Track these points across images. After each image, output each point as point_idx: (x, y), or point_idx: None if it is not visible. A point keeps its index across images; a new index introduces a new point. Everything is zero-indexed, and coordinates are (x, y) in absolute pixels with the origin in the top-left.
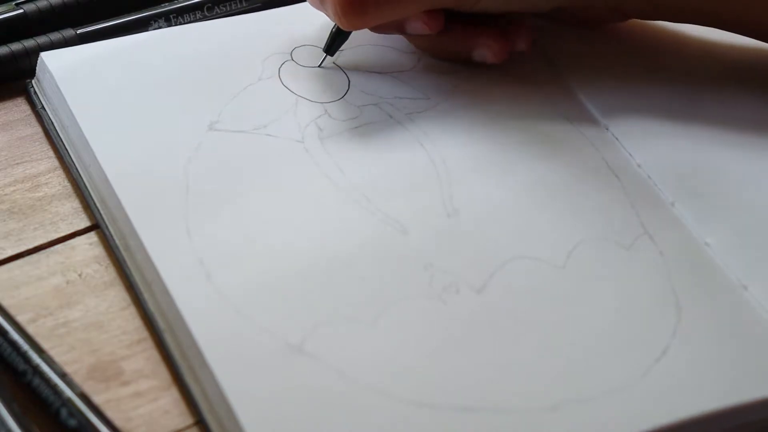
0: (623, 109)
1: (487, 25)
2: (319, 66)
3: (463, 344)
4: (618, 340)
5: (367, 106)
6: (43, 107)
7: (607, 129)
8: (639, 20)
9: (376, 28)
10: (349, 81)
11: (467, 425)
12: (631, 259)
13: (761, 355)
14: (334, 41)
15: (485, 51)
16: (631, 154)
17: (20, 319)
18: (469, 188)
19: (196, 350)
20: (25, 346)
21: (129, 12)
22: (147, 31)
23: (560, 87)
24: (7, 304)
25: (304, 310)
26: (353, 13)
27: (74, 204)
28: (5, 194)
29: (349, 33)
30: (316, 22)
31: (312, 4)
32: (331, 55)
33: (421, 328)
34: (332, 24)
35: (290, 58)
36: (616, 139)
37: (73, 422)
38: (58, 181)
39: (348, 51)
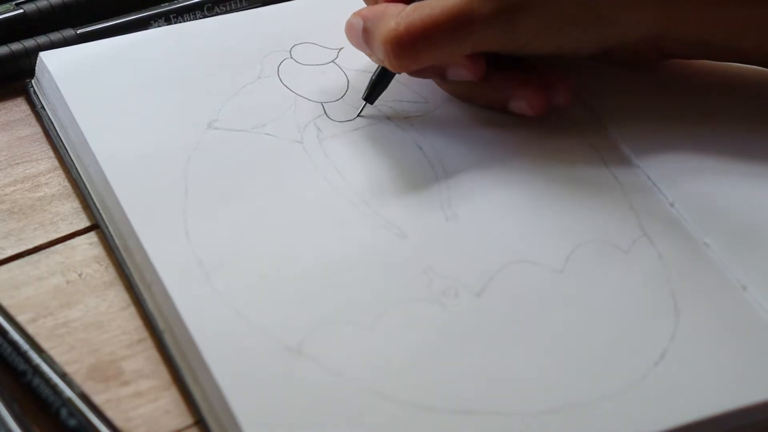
0: (624, 111)
1: (527, 74)
2: (357, 116)
3: (462, 347)
4: (617, 343)
5: (366, 107)
6: (42, 107)
7: (606, 130)
8: None
9: (416, 73)
10: (348, 82)
11: (466, 428)
12: (629, 262)
13: (761, 357)
14: (375, 88)
15: (523, 103)
16: (630, 155)
17: (20, 319)
18: (468, 192)
19: (195, 351)
20: (25, 346)
21: (129, 12)
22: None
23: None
24: (7, 304)
25: (303, 311)
26: (404, 54)
27: (74, 204)
28: (5, 194)
29: (390, 79)
30: (316, 20)
31: (353, 44)
32: (371, 103)
33: (420, 331)
34: (373, 70)
35: (289, 56)
36: (616, 140)
37: (73, 422)
38: (58, 181)
39: (348, 50)
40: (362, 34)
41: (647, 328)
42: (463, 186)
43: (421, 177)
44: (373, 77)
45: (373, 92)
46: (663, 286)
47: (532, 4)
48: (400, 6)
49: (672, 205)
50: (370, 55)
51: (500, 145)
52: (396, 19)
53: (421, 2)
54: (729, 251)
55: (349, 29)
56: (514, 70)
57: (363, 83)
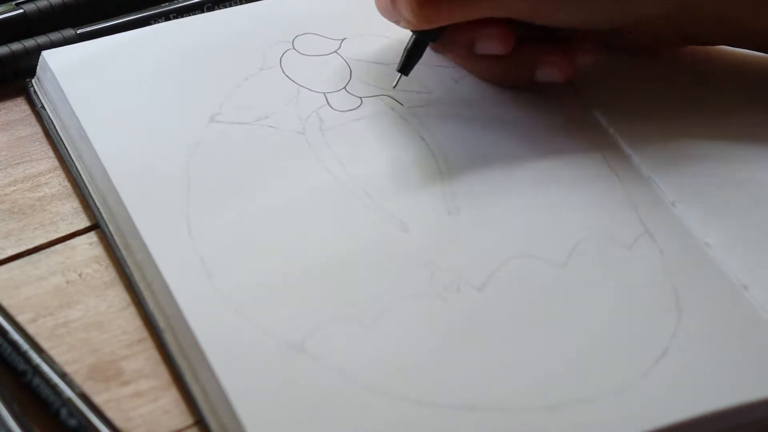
0: (626, 110)
1: (549, 43)
2: (393, 88)
3: (464, 343)
4: (618, 340)
5: (369, 98)
6: (43, 107)
7: (607, 129)
8: None
9: (444, 47)
10: (350, 70)
11: (467, 424)
12: (631, 259)
13: (761, 355)
14: (410, 58)
15: (552, 69)
16: (631, 154)
17: (20, 319)
18: (471, 185)
19: (197, 349)
20: (25, 346)
21: (129, 12)
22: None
23: (562, 87)
24: (7, 304)
25: (305, 309)
26: (428, 12)
27: (74, 204)
28: (5, 194)
29: (424, 48)
30: (318, 10)
31: (383, 14)
32: (406, 74)
33: (422, 327)
34: (406, 41)
35: (292, 47)
36: (617, 139)
37: (73, 422)
38: (58, 181)
39: (350, 40)
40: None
41: (649, 325)
42: (466, 179)
43: (424, 169)
44: (408, 46)
45: (408, 63)
46: (665, 284)
47: None
48: None
49: (673, 204)
50: (398, 22)
51: (504, 138)
52: None
53: None
54: (730, 251)
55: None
56: (535, 43)
57: (366, 73)
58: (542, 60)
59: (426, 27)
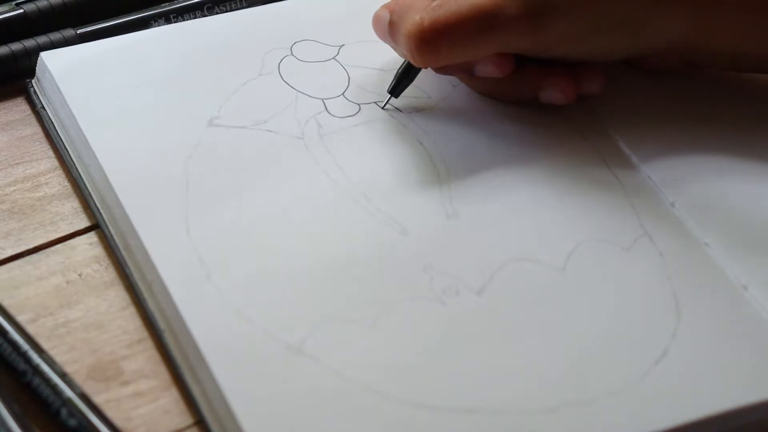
0: (625, 112)
1: (554, 65)
2: (382, 108)
3: (463, 345)
4: (617, 342)
5: (367, 104)
6: (43, 107)
7: (607, 131)
8: None
9: (442, 70)
10: (348, 77)
11: (466, 426)
12: (630, 261)
13: (761, 356)
14: (401, 82)
15: (555, 92)
16: (630, 155)
17: (20, 319)
18: (469, 189)
19: (196, 350)
20: (25, 346)
21: (129, 12)
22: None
23: None
24: (7, 304)
25: (304, 310)
26: (427, 51)
27: (74, 204)
28: (5, 194)
29: (417, 74)
30: (316, 17)
31: (380, 36)
32: (396, 97)
33: (421, 329)
34: (399, 65)
35: (290, 53)
36: (616, 140)
37: (73, 422)
38: (58, 181)
39: (348, 47)
40: (388, 27)
41: (648, 327)
42: (465, 183)
43: (423, 173)
44: (399, 70)
45: (398, 85)
46: (664, 285)
47: (560, 7)
48: (424, 1)
49: (673, 205)
50: (395, 49)
51: (502, 142)
52: (421, 13)
53: None
54: (729, 251)
55: (376, 22)
56: (542, 64)
57: (364, 80)
58: (546, 82)
59: (425, 66)
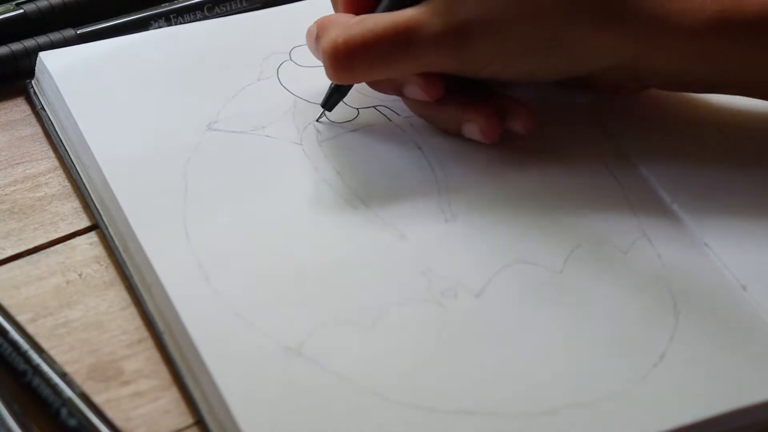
0: (623, 111)
1: (484, 99)
2: (317, 121)
3: (462, 348)
4: (616, 344)
5: (365, 109)
6: (42, 107)
7: (605, 131)
8: None
9: (374, 86)
10: None
11: (466, 428)
12: (628, 263)
13: (760, 357)
14: (331, 96)
15: (474, 129)
16: (629, 156)
17: (20, 318)
18: (467, 193)
19: (195, 353)
20: (25, 346)
21: (129, 12)
22: (147, 30)
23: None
24: (7, 304)
25: (303, 313)
26: (340, 67)
27: (74, 204)
28: (5, 194)
29: (348, 89)
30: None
31: (311, 51)
32: (329, 110)
33: (420, 332)
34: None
35: (289, 58)
36: (615, 141)
37: (73, 422)
38: (58, 181)
39: None
40: (314, 42)
41: (646, 329)
42: (463, 187)
43: (421, 178)
44: (332, 84)
45: (329, 100)
46: (662, 287)
47: (481, 25)
48: (348, 17)
49: (671, 205)
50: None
51: (499, 146)
52: (338, 30)
53: (367, 15)
54: (728, 251)
55: (308, 36)
56: (473, 96)
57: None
58: (467, 118)
59: (342, 83)
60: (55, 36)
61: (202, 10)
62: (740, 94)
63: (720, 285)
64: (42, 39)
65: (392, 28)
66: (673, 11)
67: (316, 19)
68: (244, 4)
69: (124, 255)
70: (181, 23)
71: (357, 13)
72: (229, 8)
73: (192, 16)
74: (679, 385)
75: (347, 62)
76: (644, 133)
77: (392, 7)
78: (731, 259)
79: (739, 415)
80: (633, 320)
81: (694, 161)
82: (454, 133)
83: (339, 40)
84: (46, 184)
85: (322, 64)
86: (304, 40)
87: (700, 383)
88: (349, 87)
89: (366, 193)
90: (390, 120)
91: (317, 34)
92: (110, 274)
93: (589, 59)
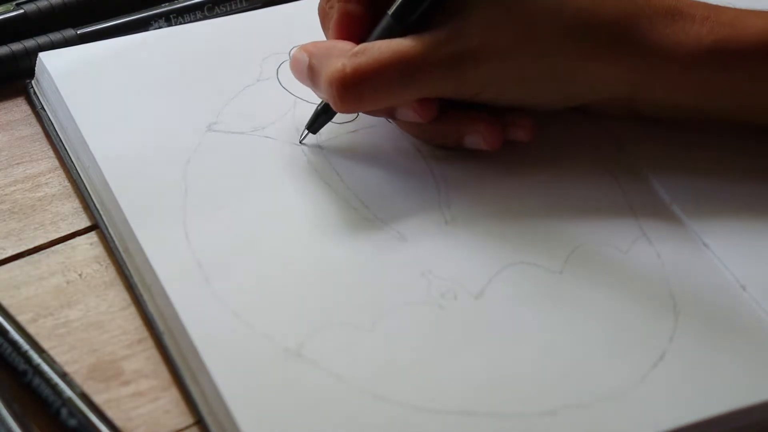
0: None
1: (479, 110)
2: (300, 142)
3: (461, 349)
4: (616, 345)
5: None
6: (43, 107)
7: (605, 132)
8: None
9: (365, 111)
10: None
11: (465, 429)
12: (628, 263)
13: (760, 357)
14: (317, 119)
15: (477, 138)
16: (629, 156)
17: (20, 318)
18: (467, 194)
19: (195, 354)
20: (25, 345)
21: (129, 12)
22: (147, 31)
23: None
24: (8, 304)
25: (303, 314)
26: (349, 98)
27: (74, 204)
28: (6, 194)
29: (335, 113)
30: (315, 21)
31: (298, 78)
32: (314, 132)
33: (420, 333)
34: (318, 101)
35: (289, 58)
36: (615, 141)
37: (73, 422)
38: (59, 181)
39: None
40: (307, 70)
41: (646, 329)
42: (462, 188)
43: (421, 180)
44: (318, 108)
45: (315, 122)
46: (662, 287)
47: (484, 54)
48: (348, 44)
49: (671, 205)
50: (315, 91)
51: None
52: (343, 59)
53: (369, 44)
54: (728, 251)
55: (295, 64)
56: (468, 110)
57: None
58: (469, 129)
59: (348, 112)
60: (55, 36)
61: (202, 10)
62: (737, 123)
63: (720, 285)
64: (42, 39)
65: (398, 57)
66: (669, 43)
67: (301, 45)
68: (244, 4)
69: (124, 255)
70: (181, 23)
71: (351, 40)
72: (229, 8)
73: (192, 17)
74: (679, 385)
75: (356, 91)
76: (644, 133)
77: (388, 35)
78: (731, 259)
79: (739, 415)
80: (633, 320)
81: (693, 161)
82: (453, 148)
83: (347, 70)
84: (46, 184)
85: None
86: (304, 40)
87: (700, 383)
88: (336, 113)
89: (366, 194)
90: (390, 122)
91: (310, 62)
92: (110, 274)
93: (585, 90)
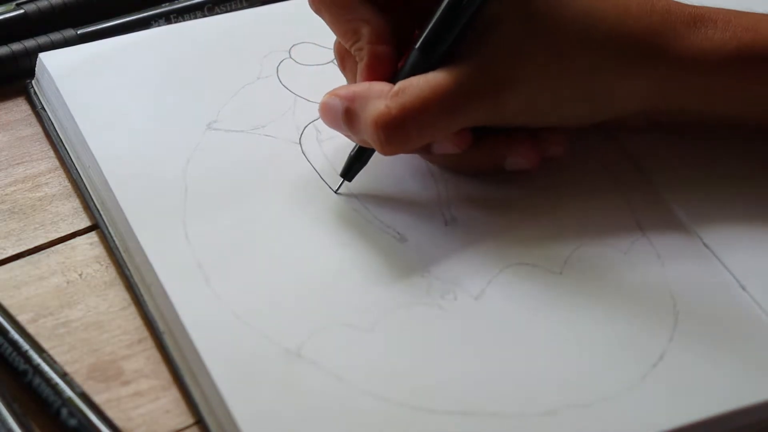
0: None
1: (510, 132)
2: (335, 192)
3: (461, 350)
4: (615, 345)
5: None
6: (43, 107)
7: (605, 133)
8: None
9: (407, 151)
10: (347, 82)
11: (465, 429)
12: (628, 264)
13: (760, 357)
14: (353, 165)
15: (519, 159)
16: (629, 156)
17: (21, 318)
18: (467, 195)
19: (195, 354)
20: (25, 345)
21: (129, 12)
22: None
23: None
24: (8, 304)
25: (302, 315)
26: (396, 139)
27: (74, 204)
28: (6, 194)
29: (369, 157)
30: (315, 19)
31: (330, 125)
32: (350, 180)
33: (419, 334)
34: (351, 147)
35: (288, 56)
36: (615, 142)
37: (73, 422)
38: (59, 181)
39: None
40: (343, 115)
41: (646, 329)
42: (462, 189)
43: (421, 181)
44: (352, 153)
45: (350, 169)
46: (662, 287)
47: (520, 80)
48: (385, 86)
49: (671, 205)
50: (349, 137)
51: None
52: (385, 101)
53: (406, 82)
54: (728, 251)
55: (326, 110)
56: (500, 133)
57: None
58: (508, 152)
59: (394, 154)
60: (55, 36)
61: (203, 11)
62: (762, 130)
63: (720, 285)
64: (42, 39)
65: (439, 93)
66: (695, 51)
67: (330, 91)
68: (245, 5)
69: (124, 255)
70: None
71: (381, 80)
72: (229, 8)
73: (192, 17)
74: (678, 385)
75: (402, 132)
76: (644, 133)
77: (419, 70)
78: (731, 259)
79: (739, 415)
80: (632, 320)
81: (693, 162)
82: (487, 172)
83: (393, 112)
84: (47, 184)
85: (330, 88)
86: (303, 38)
87: (700, 383)
88: (371, 155)
89: (366, 194)
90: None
91: (348, 108)
92: (110, 274)
93: (618, 106)
